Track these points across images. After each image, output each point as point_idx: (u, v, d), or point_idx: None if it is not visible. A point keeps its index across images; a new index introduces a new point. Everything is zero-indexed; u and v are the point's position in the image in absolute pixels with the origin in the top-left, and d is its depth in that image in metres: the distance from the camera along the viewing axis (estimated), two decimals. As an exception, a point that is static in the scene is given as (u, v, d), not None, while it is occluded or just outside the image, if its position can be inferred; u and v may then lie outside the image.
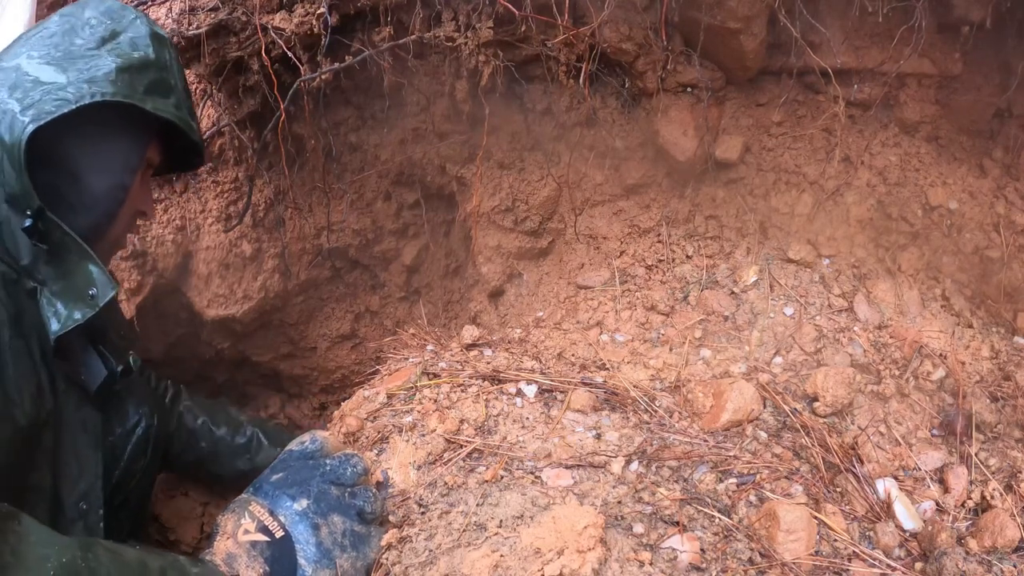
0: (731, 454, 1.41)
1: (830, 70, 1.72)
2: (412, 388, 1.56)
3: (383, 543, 1.20)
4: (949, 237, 1.93)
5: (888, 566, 1.22)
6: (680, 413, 1.54)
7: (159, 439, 1.67)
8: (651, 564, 1.12)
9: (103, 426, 1.47)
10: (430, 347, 1.78)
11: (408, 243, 2.46)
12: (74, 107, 1.23)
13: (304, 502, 1.18)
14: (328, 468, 1.23)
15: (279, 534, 1.15)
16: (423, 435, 1.41)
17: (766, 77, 1.99)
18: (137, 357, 1.53)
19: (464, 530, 1.18)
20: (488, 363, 1.66)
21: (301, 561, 1.14)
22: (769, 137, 2.02)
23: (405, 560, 1.16)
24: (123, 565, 1.02)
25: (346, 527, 1.18)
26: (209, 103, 2.14)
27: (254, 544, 1.14)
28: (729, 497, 1.32)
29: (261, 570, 1.12)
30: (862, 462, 1.42)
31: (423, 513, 1.24)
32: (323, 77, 1.90)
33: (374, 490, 1.25)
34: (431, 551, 1.16)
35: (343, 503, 1.20)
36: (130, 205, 1.45)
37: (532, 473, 1.32)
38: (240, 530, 1.15)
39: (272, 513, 1.17)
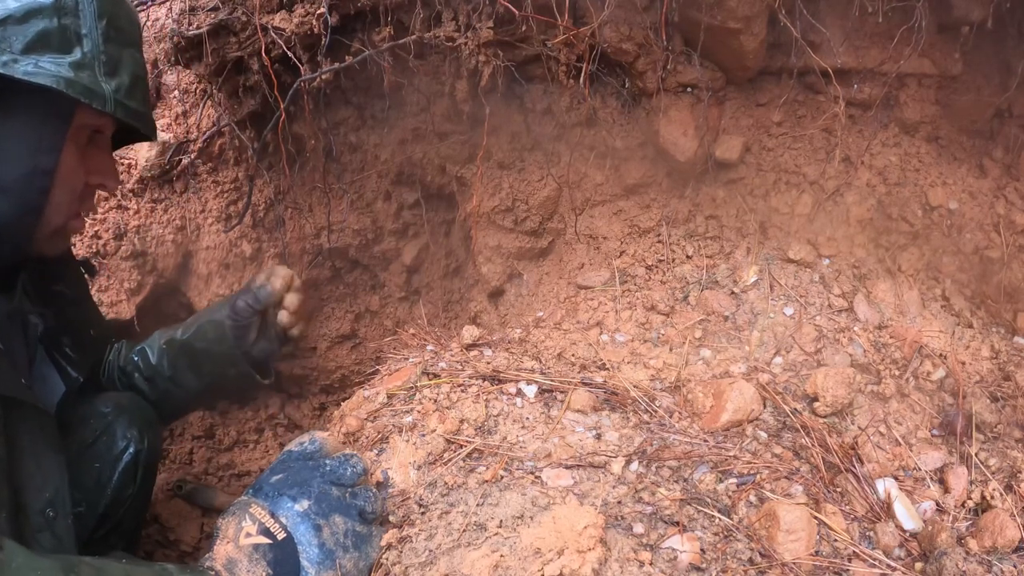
0: (731, 454, 1.41)
1: (830, 70, 1.72)
2: (412, 388, 1.56)
3: (383, 543, 1.20)
4: (949, 237, 1.93)
5: (888, 566, 1.22)
6: (680, 413, 1.54)
7: (150, 463, 1.59)
8: (651, 564, 1.12)
9: (88, 450, 1.39)
10: (430, 347, 1.78)
11: (408, 243, 2.46)
12: None
13: (305, 503, 1.17)
14: (328, 468, 1.23)
15: (281, 536, 1.14)
16: (423, 435, 1.41)
17: (766, 77, 1.99)
18: (80, 375, 1.38)
19: (464, 530, 1.18)
20: (488, 363, 1.66)
21: (304, 563, 1.13)
22: (769, 137, 2.02)
23: (405, 560, 1.16)
24: None
25: (347, 527, 1.18)
26: (209, 103, 2.14)
27: (256, 547, 1.13)
28: (729, 497, 1.32)
29: (264, 573, 1.11)
30: (862, 462, 1.42)
31: (423, 513, 1.24)
32: (323, 77, 1.90)
33: (374, 490, 1.25)
34: (431, 551, 1.16)
35: (344, 503, 1.19)
36: (64, 186, 1.19)
37: (532, 473, 1.32)
38: (241, 533, 1.14)
39: (273, 515, 1.16)
